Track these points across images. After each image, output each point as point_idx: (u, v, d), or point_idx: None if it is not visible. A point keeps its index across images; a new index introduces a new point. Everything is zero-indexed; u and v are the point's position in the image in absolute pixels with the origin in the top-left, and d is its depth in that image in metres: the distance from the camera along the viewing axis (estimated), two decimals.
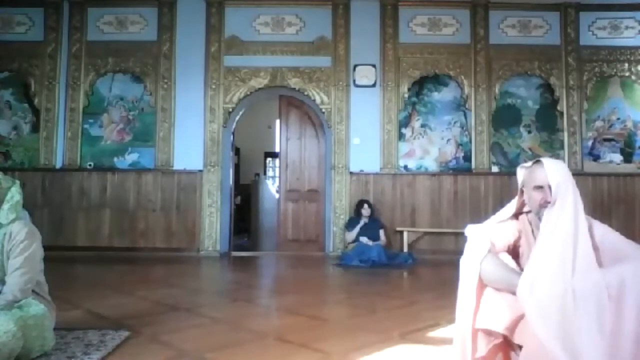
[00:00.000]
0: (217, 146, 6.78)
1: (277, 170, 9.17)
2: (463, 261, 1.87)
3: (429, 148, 6.91)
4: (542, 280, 1.68)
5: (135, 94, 6.89)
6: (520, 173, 1.98)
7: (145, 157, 6.81)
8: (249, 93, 6.87)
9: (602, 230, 1.86)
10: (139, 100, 6.88)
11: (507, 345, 1.80)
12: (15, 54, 6.85)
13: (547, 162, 1.86)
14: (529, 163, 1.95)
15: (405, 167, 6.89)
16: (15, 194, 2.29)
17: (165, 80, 6.82)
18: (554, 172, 1.83)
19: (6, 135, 6.86)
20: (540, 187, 1.85)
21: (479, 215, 6.34)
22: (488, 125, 6.86)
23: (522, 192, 1.98)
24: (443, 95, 6.97)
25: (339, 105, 6.85)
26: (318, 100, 6.87)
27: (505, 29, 7.02)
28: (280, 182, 7.24)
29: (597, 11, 7.04)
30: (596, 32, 7.06)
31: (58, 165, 6.77)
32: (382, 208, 6.68)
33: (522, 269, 1.86)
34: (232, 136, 7.22)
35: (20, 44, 6.87)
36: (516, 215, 2.01)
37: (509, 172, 6.76)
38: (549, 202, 1.81)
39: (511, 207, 2.01)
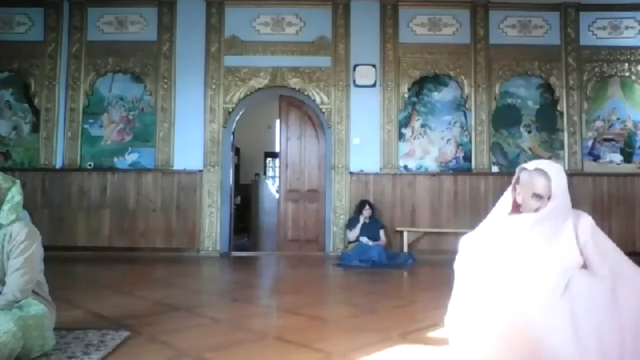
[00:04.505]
0: (217, 146, 6.78)
1: (277, 170, 9.17)
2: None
3: (429, 148, 6.91)
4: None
5: (135, 94, 6.88)
6: (519, 172, 1.97)
7: (145, 157, 6.80)
8: (249, 93, 6.87)
9: (588, 230, 1.87)
10: (139, 100, 6.88)
11: None
12: (15, 54, 6.84)
13: (553, 173, 1.87)
14: (532, 166, 1.93)
15: (405, 167, 6.89)
16: (15, 194, 2.28)
17: (165, 80, 6.82)
18: (559, 184, 1.86)
19: (6, 135, 6.85)
20: (539, 197, 1.86)
21: (479, 215, 6.29)
22: (488, 125, 6.86)
23: (514, 188, 1.98)
24: (443, 95, 6.97)
25: (339, 105, 6.84)
26: (318, 100, 6.87)
27: (505, 29, 7.02)
28: (280, 182, 7.24)
29: (597, 11, 7.03)
30: (596, 32, 7.05)
31: (58, 165, 6.76)
32: (382, 208, 6.68)
33: None
34: (232, 136, 7.22)
35: (20, 44, 6.87)
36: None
37: (509, 172, 6.74)
38: None
39: (505, 205, 2.01)
